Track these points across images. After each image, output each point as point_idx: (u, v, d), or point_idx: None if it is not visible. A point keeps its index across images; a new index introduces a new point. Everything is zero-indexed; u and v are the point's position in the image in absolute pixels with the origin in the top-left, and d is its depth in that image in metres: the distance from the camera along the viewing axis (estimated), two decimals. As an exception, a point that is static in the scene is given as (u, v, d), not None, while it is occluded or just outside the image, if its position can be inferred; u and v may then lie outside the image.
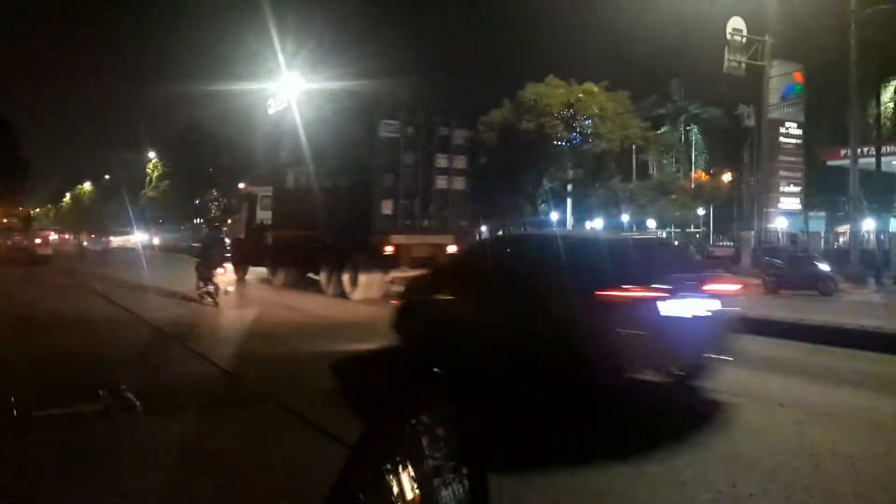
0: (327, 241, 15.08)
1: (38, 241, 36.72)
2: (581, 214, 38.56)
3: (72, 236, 67.62)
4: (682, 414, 5.74)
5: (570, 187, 35.38)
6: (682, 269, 7.06)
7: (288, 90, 50.12)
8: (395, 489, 0.90)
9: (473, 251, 9.50)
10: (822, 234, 28.01)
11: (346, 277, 14.64)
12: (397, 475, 0.91)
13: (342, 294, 14.66)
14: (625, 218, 32.71)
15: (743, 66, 24.27)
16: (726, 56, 24.03)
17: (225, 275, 15.25)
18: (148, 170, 76.80)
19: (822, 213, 30.69)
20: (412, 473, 0.91)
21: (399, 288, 10.90)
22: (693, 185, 32.57)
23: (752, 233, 24.15)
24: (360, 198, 12.24)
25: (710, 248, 27.44)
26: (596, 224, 36.38)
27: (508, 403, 5.71)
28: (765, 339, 9.32)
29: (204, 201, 70.35)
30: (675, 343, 5.87)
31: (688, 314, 5.79)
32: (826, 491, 3.99)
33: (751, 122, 30.71)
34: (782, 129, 27.41)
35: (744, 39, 24.26)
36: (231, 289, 15.66)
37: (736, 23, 24.13)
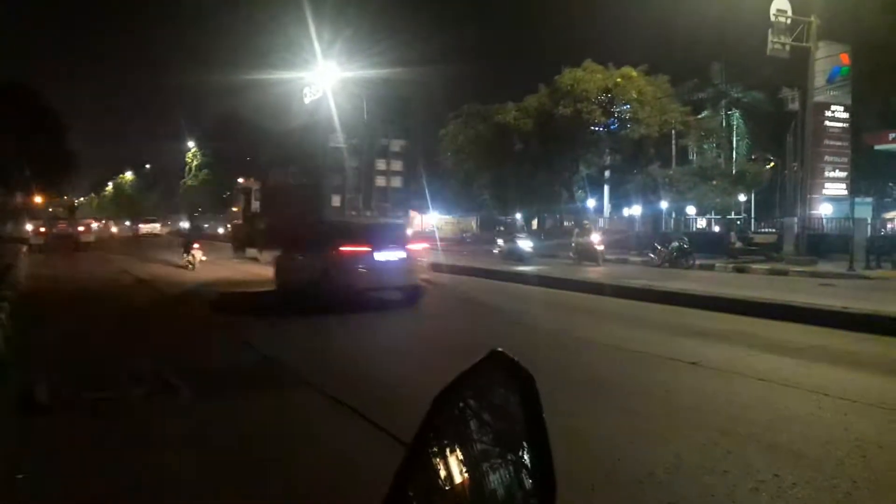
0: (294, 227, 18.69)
1: (81, 228, 38.59)
2: (619, 201, 38.07)
3: (107, 224, 69.86)
4: (719, 400, 5.65)
5: (607, 173, 34.92)
6: (395, 236, 12.82)
7: (323, 79, 50.60)
8: (443, 473, 0.88)
9: (302, 232, 13.56)
10: (869, 221, 27.23)
11: None
12: (444, 458, 0.90)
13: None
14: (664, 204, 32.17)
15: (787, 48, 23.58)
16: (770, 38, 23.38)
17: (200, 251, 20.99)
18: (187, 159, 78.07)
19: (869, 199, 29.81)
20: (460, 457, 0.90)
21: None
22: (734, 171, 31.89)
23: (796, 219, 23.57)
24: (315, 193, 14.85)
25: (751, 234, 26.85)
26: (634, 211, 35.89)
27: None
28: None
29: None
30: (382, 274, 11.81)
31: (389, 259, 11.80)
32: (871, 482, 3.89)
33: (795, 106, 29.87)
34: (828, 113, 26.60)
35: (788, 21, 23.57)
36: (205, 258, 21.27)
37: (780, 3, 23.45)
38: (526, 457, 0.92)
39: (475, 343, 7.84)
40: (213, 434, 4.97)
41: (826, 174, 26.74)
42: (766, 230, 28.17)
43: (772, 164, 33.16)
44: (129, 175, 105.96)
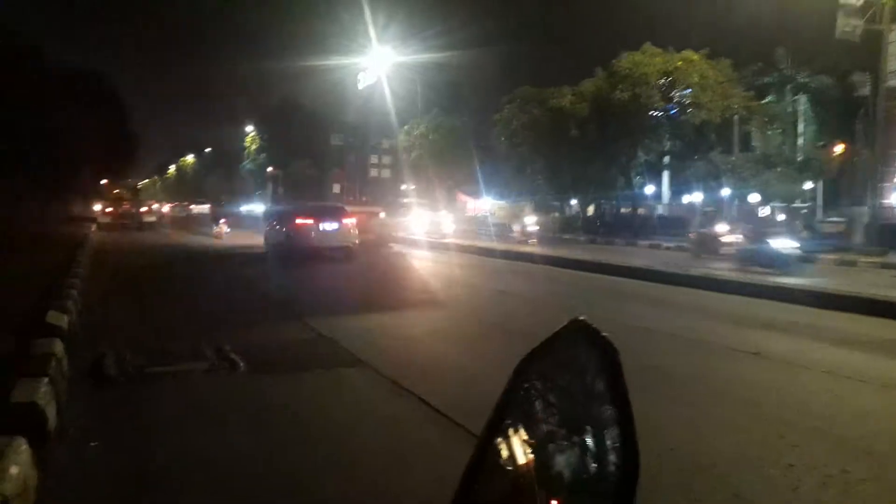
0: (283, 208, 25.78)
1: (143, 209, 42.93)
2: (678, 188, 37.22)
3: (161, 205, 72.88)
4: (783, 392, 5.48)
5: (666, 159, 34.13)
6: (334, 214, 18.55)
7: (378, 65, 50.94)
8: (506, 453, 0.86)
9: (280, 212, 21.55)
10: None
11: None
12: (508, 439, 0.88)
13: None
14: (725, 192, 31.28)
15: (858, 30, 22.53)
16: (839, 20, 22.39)
17: (225, 225, 30.29)
18: (246, 143, 79.71)
19: (945, 188, 28.37)
20: (525, 437, 0.88)
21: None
22: (800, 158, 30.77)
23: (866, 208, 22.62)
24: (320, 181, 20.96)
25: (818, 224, 25.94)
26: (695, 198, 35.03)
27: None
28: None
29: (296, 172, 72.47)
30: (325, 238, 17.65)
31: (331, 229, 17.80)
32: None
33: (866, 91, 28.66)
34: (902, 98, 25.40)
35: (859, 2, 22.52)
36: (229, 230, 29.79)
37: (852, -16, 22.42)
38: (590, 440, 0.90)
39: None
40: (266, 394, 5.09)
41: (899, 162, 25.55)
42: (834, 219, 27.17)
43: (840, 151, 31.88)
44: (190, 158, 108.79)
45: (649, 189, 38.36)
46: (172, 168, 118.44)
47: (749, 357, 6.79)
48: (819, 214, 31.73)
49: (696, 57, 28.97)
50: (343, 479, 3.83)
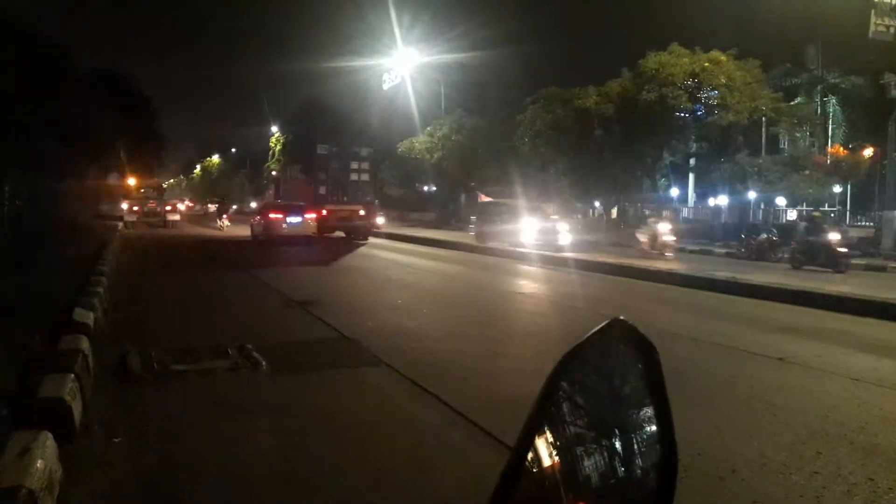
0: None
1: (168, 208, 44.45)
2: (704, 190, 36.83)
3: (174, 203, 75.28)
4: (807, 398, 5.39)
5: (692, 161, 33.78)
6: (298, 211, 25.23)
7: (402, 65, 51.09)
8: (532, 455, 0.86)
9: (259, 209, 28.79)
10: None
11: None
12: (537, 441, 0.88)
13: None
14: (751, 195, 30.86)
15: (892, 30, 22.18)
16: (872, 19, 22.02)
17: (227, 219, 36.89)
18: (271, 143, 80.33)
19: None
20: (550, 439, 0.87)
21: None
22: (829, 161, 30.27)
23: (896, 213, 22.23)
24: (309, 185, 25.75)
25: (846, 227, 25.51)
26: (720, 201, 34.68)
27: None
28: None
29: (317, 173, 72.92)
30: (290, 229, 24.21)
31: (295, 221, 24.48)
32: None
33: (899, 92, 28.23)
34: (936, 100, 24.94)
35: (894, 1, 22.14)
36: (229, 224, 36.48)
37: (885, -18, 22.04)
38: (619, 444, 0.89)
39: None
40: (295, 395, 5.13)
41: (931, 165, 25.05)
42: (863, 223, 26.71)
43: (871, 153, 31.34)
44: (215, 158, 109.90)
45: (674, 191, 38.02)
46: (198, 168, 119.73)
47: (774, 362, 6.70)
48: (847, 219, 31.23)
49: (723, 57, 28.63)
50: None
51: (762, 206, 34.47)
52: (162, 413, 4.93)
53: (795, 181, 27.98)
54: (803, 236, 17.68)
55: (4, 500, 2.71)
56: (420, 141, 43.92)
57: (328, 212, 29.42)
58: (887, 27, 22.16)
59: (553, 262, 17.91)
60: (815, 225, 17.79)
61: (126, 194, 51.24)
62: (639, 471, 0.88)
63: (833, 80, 32.19)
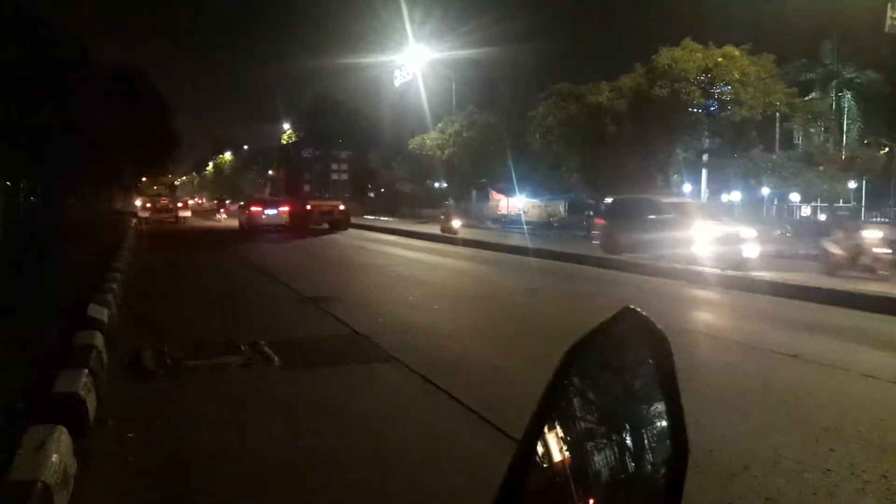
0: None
1: (180, 205, 46.70)
2: (717, 186, 36.56)
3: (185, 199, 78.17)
4: (822, 396, 5.35)
5: (705, 157, 33.52)
6: (275, 205, 32.99)
7: (414, 62, 51.09)
8: (542, 450, 0.86)
9: (244, 203, 36.60)
10: None
11: None
12: (547, 436, 0.88)
13: None
14: (765, 191, 30.62)
15: (909, 24, 21.92)
16: (889, 13, 21.80)
17: (224, 213, 49.73)
18: (283, 140, 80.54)
19: None
20: (561, 434, 0.87)
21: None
22: (844, 157, 29.97)
23: (912, 209, 22.01)
24: (297, 184, 32.45)
25: (860, 223, 25.25)
26: (733, 197, 34.43)
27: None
28: None
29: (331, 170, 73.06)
30: (268, 220, 31.27)
31: (272, 213, 31.79)
32: None
33: (915, 87, 27.86)
34: (953, 94, 24.65)
35: (911, -6, 21.89)
36: (226, 216, 47.75)
37: (902, -24, 21.78)
38: (629, 439, 0.89)
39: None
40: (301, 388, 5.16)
41: (948, 160, 24.78)
42: (878, 220, 26.45)
43: (886, 149, 31.01)
44: (227, 156, 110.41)
45: (687, 187, 37.77)
46: (210, 165, 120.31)
47: (788, 359, 6.65)
48: (862, 215, 30.92)
49: (737, 52, 28.37)
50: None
51: (776, 202, 34.21)
52: (175, 408, 4.97)
53: (810, 177, 27.72)
54: (841, 239, 14.28)
55: (20, 494, 2.75)
56: (431, 137, 43.90)
57: (312, 206, 32.92)
58: (904, 21, 21.90)
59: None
60: (850, 225, 15.56)
61: (139, 192, 51.98)
62: (649, 466, 0.88)
63: (848, 76, 31.86)
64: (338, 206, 33.50)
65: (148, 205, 44.18)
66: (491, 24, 58.92)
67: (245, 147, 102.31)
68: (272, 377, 5.82)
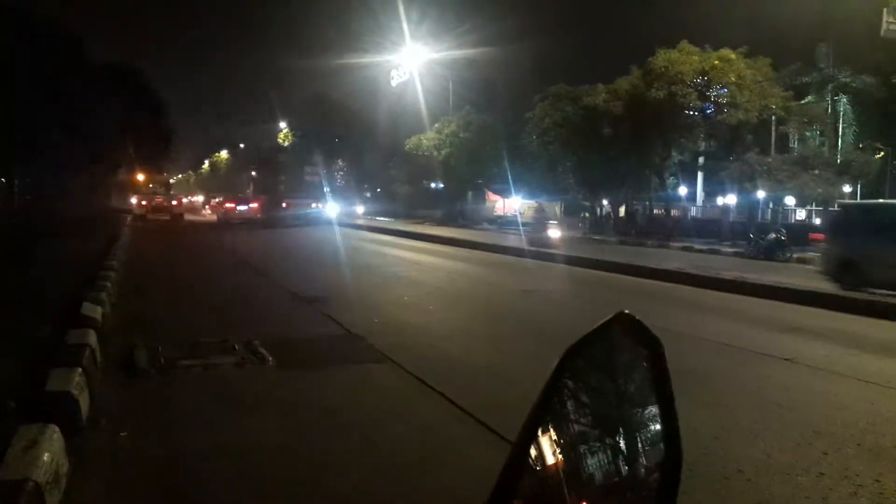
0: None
1: (174, 202, 48.10)
2: (712, 188, 36.65)
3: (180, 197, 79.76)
4: (815, 399, 5.36)
5: (701, 160, 33.61)
6: (246, 202, 41.06)
7: (410, 62, 51.08)
8: (535, 453, 0.85)
9: (223, 199, 47.82)
10: None
11: None
12: (541, 439, 0.87)
13: None
14: (760, 194, 30.67)
15: (904, 28, 21.97)
16: (885, 18, 21.83)
17: (209, 209, 55.56)
18: (279, 139, 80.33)
19: None
20: (555, 437, 0.87)
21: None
22: (839, 160, 30.07)
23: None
24: (276, 186, 38.17)
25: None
26: (728, 200, 34.51)
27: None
28: None
29: (331, 170, 72.90)
30: (240, 213, 38.72)
31: (243, 209, 39.35)
32: None
33: (910, 92, 27.98)
34: (947, 99, 24.75)
35: (906, -1, 21.93)
36: (211, 212, 52.57)
37: (898, -19, 21.85)
38: (622, 442, 0.89)
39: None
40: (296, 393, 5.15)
41: (943, 165, 24.87)
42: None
43: (881, 153, 31.12)
44: (223, 154, 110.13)
45: (682, 190, 37.88)
46: (206, 163, 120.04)
47: (781, 363, 6.67)
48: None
49: (733, 56, 28.45)
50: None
51: (771, 206, 34.31)
52: (168, 407, 4.95)
53: (805, 180, 27.78)
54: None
55: (12, 493, 2.73)
56: (428, 138, 43.89)
57: (287, 204, 39.46)
58: (899, 26, 21.94)
59: None
60: None
61: (135, 189, 52.06)
62: (643, 469, 0.88)
63: (844, 80, 31.96)
64: (311, 204, 39.23)
65: (143, 202, 44.51)
66: (488, 25, 59.07)
67: (241, 146, 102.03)
68: (266, 377, 5.80)
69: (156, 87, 40.59)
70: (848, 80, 31.77)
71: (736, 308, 10.64)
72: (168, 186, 63.28)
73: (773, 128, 31.76)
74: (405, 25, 49.34)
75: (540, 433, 0.88)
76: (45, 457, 3.05)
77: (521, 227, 32.17)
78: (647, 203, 37.32)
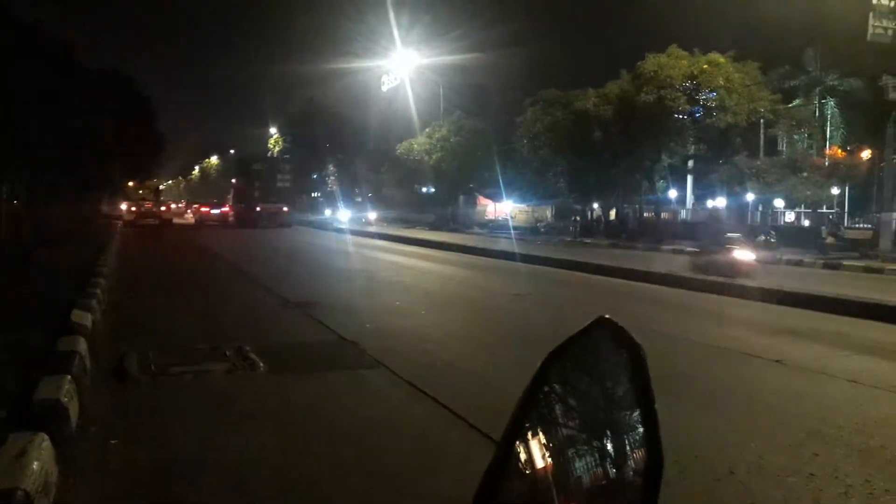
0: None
1: (163, 208, 50.22)
2: (702, 192, 36.83)
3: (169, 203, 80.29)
4: (805, 401, 5.39)
5: (691, 163, 33.78)
6: (219, 206, 52.88)
7: (401, 67, 51.17)
8: (524, 456, 0.86)
9: (199, 205, 58.73)
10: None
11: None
12: (528, 442, 0.88)
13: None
14: (750, 196, 30.85)
15: (890, 32, 22.19)
16: (871, 22, 22.03)
17: (191, 213, 58.13)
18: (270, 145, 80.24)
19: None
20: (544, 441, 0.87)
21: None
22: (827, 163, 30.28)
23: (894, 215, 22.22)
24: (250, 191, 43.95)
25: (843, 229, 25.50)
26: (718, 202, 34.72)
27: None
28: None
29: (322, 175, 72.78)
30: (214, 217, 49.23)
31: (216, 213, 50.40)
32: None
33: (896, 95, 28.18)
34: (933, 102, 24.93)
35: (893, 3, 22.15)
36: (192, 215, 55.79)
37: (884, -15, 22.05)
38: (610, 445, 0.89)
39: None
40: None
41: (929, 167, 25.06)
42: (861, 225, 26.74)
43: (869, 156, 31.35)
44: (214, 160, 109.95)
45: (672, 193, 38.03)
46: (196, 169, 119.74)
47: (771, 365, 6.70)
48: (845, 220, 31.24)
49: (722, 59, 28.64)
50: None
51: (760, 208, 34.49)
52: (159, 415, 4.92)
53: (793, 183, 27.97)
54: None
55: (1, 502, 2.71)
56: (419, 142, 43.94)
57: (262, 209, 43.22)
58: (885, 29, 22.16)
59: None
60: None
61: (125, 195, 52.04)
62: (630, 472, 0.88)
63: (831, 83, 32.21)
64: (282, 208, 44.10)
65: (133, 208, 44.49)
66: (479, 30, 59.20)
67: (232, 151, 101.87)
68: (258, 383, 5.78)
69: (146, 93, 40.44)
70: (836, 83, 32.02)
71: (727, 310, 10.69)
72: (158, 192, 63.51)
73: (762, 131, 31.97)
74: (396, 31, 49.55)
75: (529, 436, 0.89)
76: (35, 465, 3.03)
77: (511, 231, 32.22)
78: (638, 206, 37.46)
